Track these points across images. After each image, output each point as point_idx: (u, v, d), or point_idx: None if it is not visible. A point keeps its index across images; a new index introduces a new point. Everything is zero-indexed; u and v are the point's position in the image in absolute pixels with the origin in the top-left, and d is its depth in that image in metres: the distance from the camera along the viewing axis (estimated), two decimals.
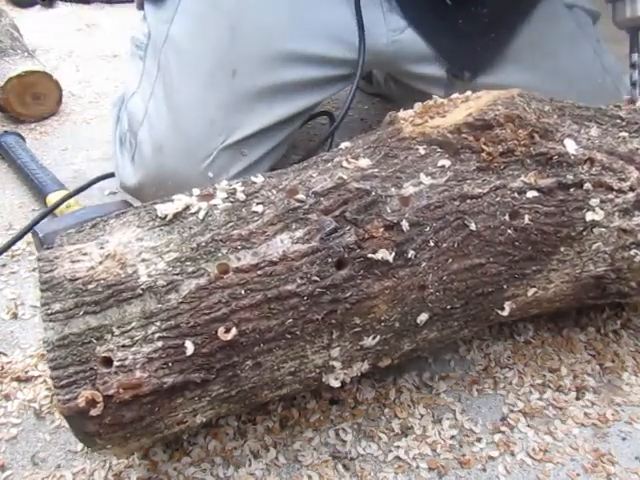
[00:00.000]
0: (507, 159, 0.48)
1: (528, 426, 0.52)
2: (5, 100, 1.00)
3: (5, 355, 0.58)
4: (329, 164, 0.48)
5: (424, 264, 0.45)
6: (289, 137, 0.75)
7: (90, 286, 0.39)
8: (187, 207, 0.43)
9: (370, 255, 0.43)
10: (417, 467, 0.48)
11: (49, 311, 0.39)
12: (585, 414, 0.53)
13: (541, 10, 0.74)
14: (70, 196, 0.73)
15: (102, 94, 1.18)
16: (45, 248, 0.42)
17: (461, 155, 0.48)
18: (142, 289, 0.40)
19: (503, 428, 0.52)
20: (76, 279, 0.40)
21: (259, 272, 0.41)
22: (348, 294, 0.42)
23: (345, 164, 0.47)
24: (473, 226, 0.46)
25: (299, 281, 0.41)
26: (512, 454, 0.50)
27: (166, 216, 0.43)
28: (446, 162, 0.47)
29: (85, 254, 0.41)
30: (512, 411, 0.53)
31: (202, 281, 0.40)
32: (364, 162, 0.47)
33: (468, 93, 0.52)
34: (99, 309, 0.39)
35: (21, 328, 0.61)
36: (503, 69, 0.75)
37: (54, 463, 0.48)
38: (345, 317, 0.43)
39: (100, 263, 0.40)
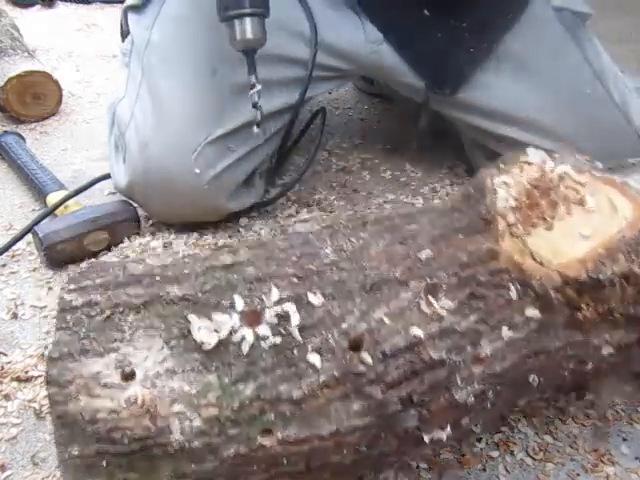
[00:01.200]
0: (602, 318, 0.42)
1: (528, 426, 0.52)
2: (5, 100, 1.00)
3: (5, 355, 0.58)
4: (405, 296, 0.39)
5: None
6: (278, 134, 0.76)
7: (114, 435, 0.34)
8: (230, 333, 0.36)
9: (425, 437, 0.39)
10: (417, 467, 0.48)
11: (67, 454, 0.34)
12: (585, 414, 0.53)
13: (525, 19, 0.73)
14: (70, 197, 0.73)
15: (102, 94, 1.18)
16: (48, 360, 0.35)
17: (554, 307, 0.41)
18: (175, 449, 0.35)
19: (503, 428, 0.52)
20: (97, 422, 0.34)
21: (306, 446, 0.36)
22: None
23: (424, 307, 0.39)
24: (534, 381, 0.42)
25: (346, 452, 0.37)
26: (512, 454, 0.50)
27: (202, 344, 0.36)
28: (535, 313, 0.41)
29: (105, 386, 0.34)
30: (512, 411, 0.53)
31: (243, 448, 0.35)
32: (445, 305, 0.39)
33: (580, 190, 0.44)
34: (125, 462, 0.34)
35: (21, 328, 0.61)
36: (485, 82, 0.75)
37: (54, 463, 0.48)
38: None
39: (125, 408, 0.34)
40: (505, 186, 0.44)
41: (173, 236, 0.74)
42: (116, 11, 1.73)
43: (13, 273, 0.69)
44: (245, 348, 0.36)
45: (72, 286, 0.38)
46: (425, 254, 0.41)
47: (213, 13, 0.65)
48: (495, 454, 0.50)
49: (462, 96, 0.75)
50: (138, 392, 0.34)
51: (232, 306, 0.37)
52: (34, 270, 0.69)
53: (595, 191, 0.45)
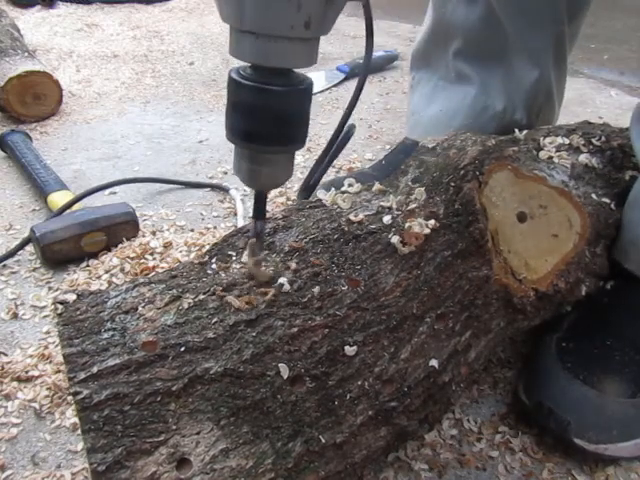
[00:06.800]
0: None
1: (528, 426, 0.52)
2: (5, 100, 1.00)
3: (5, 355, 0.57)
4: (422, 330, 0.42)
5: None
6: None
7: None
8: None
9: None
10: (417, 467, 0.48)
11: None
12: None
13: None
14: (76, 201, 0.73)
15: (102, 94, 1.19)
16: (95, 476, 0.31)
17: (526, 313, 0.48)
18: None
19: (503, 428, 0.52)
20: None
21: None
22: None
23: (436, 337, 0.43)
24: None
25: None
26: (512, 453, 0.50)
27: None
28: (508, 318, 0.48)
29: None
30: (512, 411, 0.53)
31: None
32: (451, 330, 0.43)
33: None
34: None
35: (21, 328, 0.61)
36: None
37: (54, 463, 0.48)
38: None
39: None
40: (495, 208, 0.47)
41: (173, 236, 0.74)
42: (116, 11, 1.73)
43: (13, 273, 0.69)
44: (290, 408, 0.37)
45: (81, 374, 0.34)
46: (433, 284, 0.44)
47: None
48: (495, 454, 0.50)
49: None
50: None
51: (278, 374, 0.37)
52: (34, 270, 0.69)
53: (556, 205, 0.49)
